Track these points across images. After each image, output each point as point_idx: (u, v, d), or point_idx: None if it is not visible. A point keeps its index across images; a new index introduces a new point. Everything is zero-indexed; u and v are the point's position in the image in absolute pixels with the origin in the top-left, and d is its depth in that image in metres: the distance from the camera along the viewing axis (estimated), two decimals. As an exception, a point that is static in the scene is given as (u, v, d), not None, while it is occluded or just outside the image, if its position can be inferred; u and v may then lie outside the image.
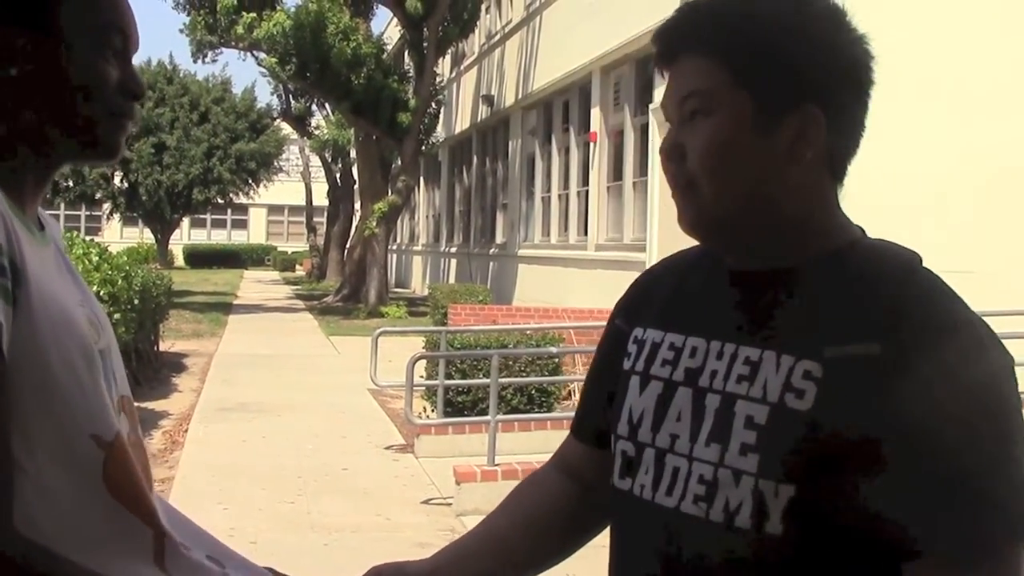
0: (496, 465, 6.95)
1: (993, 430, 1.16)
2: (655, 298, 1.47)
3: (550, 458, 1.66)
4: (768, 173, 1.28)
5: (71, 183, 41.57)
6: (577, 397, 9.37)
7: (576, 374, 9.90)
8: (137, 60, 1.44)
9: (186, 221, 52.27)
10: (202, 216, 54.12)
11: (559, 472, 1.62)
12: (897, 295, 1.23)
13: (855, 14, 1.31)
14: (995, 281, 9.81)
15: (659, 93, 14.88)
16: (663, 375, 1.36)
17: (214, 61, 28.41)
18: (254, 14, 22.65)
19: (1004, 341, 1.25)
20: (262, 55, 24.86)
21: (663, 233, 14.45)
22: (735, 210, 1.29)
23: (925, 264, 1.30)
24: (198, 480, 7.55)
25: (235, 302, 26.81)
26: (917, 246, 1.33)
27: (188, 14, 25.98)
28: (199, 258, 52.19)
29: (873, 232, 1.36)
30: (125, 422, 1.39)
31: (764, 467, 1.22)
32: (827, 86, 1.27)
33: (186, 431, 9.35)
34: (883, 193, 9.70)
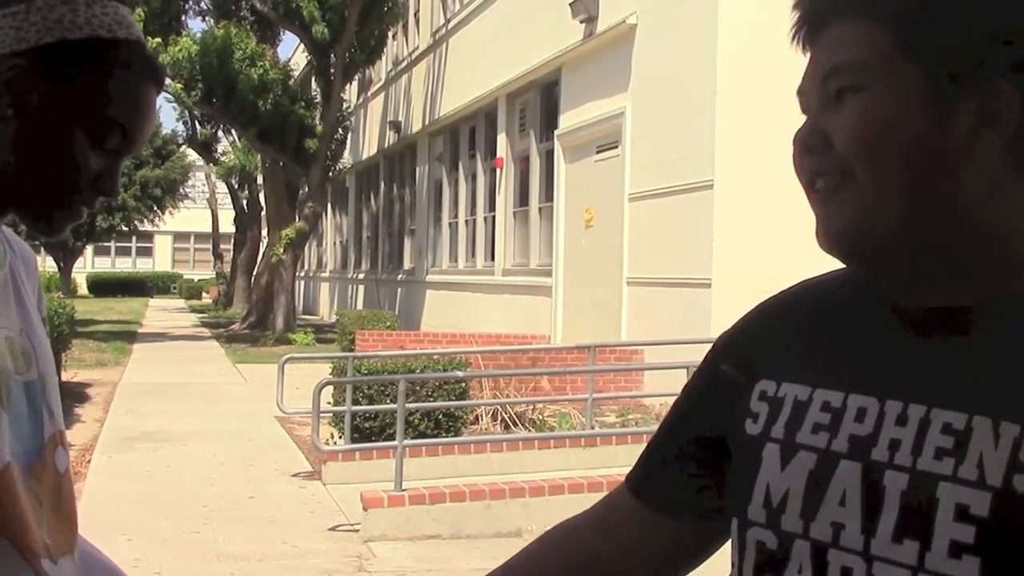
0: (404, 490, 6.99)
1: None
2: (787, 341, 1.14)
3: (584, 513, 1.33)
4: (944, 170, 0.97)
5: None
6: (485, 421, 9.42)
7: (483, 398, 10.00)
8: None
9: (89, 249, 51.33)
10: (106, 244, 53.30)
11: (596, 533, 1.29)
12: None
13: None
14: None
15: (564, 119, 15.11)
16: (817, 444, 1.03)
17: (119, 86, 27.88)
18: (159, 39, 22.42)
19: None
20: (168, 81, 24.59)
21: (569, 258, 14.65)
22: (901, 217, 0.98)
23: None
24: (101, 510, 7.45)
25: (140, 331, 26.42)
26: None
27: (91, 40, 25.61)
28: (103, 286, 51.26)
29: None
30: (64, 456, 1.42)
31: (988, 574, 0.91)
32: None
33: (89, 461, 9.23)
34: None
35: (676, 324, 11.36)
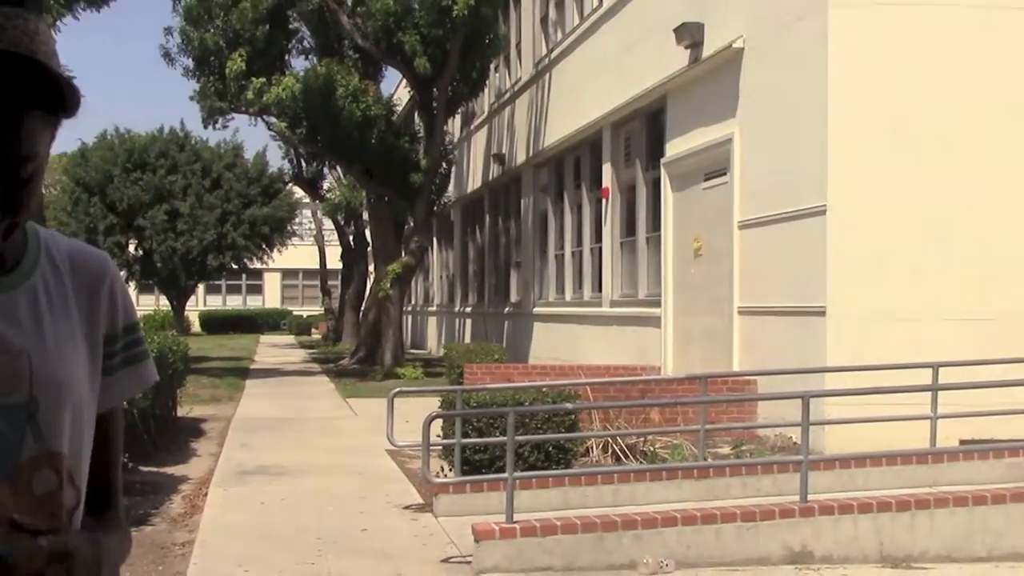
0: (515, 522, 6.93)
1: None
2: None
3: None
4: None
5: (86, 252, 41.75)
6: (596, 453, 9.32)
7: (593, 430, 9.89)
8: (149, 127, 1.50)
9: (201, 287, 52.49)
10: (217, 282, 54.40)
11: None
12: None
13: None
14: None
15: (670, 147, 14.97)
16: None
17: (225, 127, 28.43)
18: (263, 79, 22.84)
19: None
20: (272, 120, 25.06)
21: (678, 288, 14.49)
22: None
23: None
24: (218, 543, 7.54)
25: (252, 366, 26.84)
26: None
27: (198, 81, 26.24)
28: (215, 324, 52.34)
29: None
30: (48, 479, 1.44)
31: None
32: None
33: (206, 495, 9.34)
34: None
35: (790, 353, 11.14)
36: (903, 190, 10.71)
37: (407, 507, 8.77)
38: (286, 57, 26.51)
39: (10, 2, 1.35)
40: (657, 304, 14.92)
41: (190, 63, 26.20)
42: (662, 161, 15.19)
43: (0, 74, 1.33)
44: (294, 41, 27.26)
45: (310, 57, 27.43)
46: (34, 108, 1.37)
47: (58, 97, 1.38)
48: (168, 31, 26.43)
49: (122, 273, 45.34)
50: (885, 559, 7.01)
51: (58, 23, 16.92)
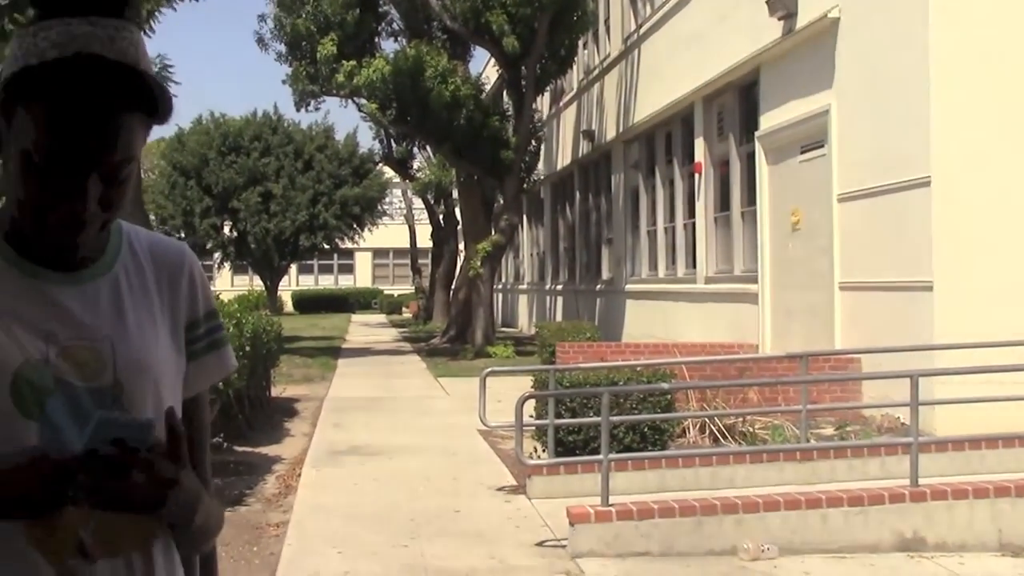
0: (610, 505, 6.76)
1: None
2: None
3: None
4: None
5: (183, 234, 42.54)
6: (693, 434, 9.13)
7: (689, 410, 9.67)
8: (243, 112, 1.47)
9: (294, 267, 53.04)
10: (309, 262, 54.95)
11: None
12: None
13: None
14: None
15: (764, 120, 14.60)
16: None
17: (316, 109, 28.88)
18: (354, 62, 22.93)
19: None
20: (363, 101, 25.20)
21: (775, 263, 14.15)
22: None
23: None
24: (312, 524, 7.50)
25: (344, 346, 27.02)
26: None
27: (290, 65, 26.47)
28: (307, 303, 52.95)
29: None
30: None
31: None
32: None
33: (299, 475, 9.34)
34: None
35: (895, 330, 10.78)
36: (1008, 163, 10.28)
37: (500, 488, 8.66)
38: (376, 40, 26.60)
39: (109, 11, 1.46)
40: (754, 280, 14.60)
41: (283, 48, 26.54)
42: (756, 134, 14.84)
43: (109, 82, 1.43)
44: (383, 24, 27.36)
45: (399, 39, 27.49)
46: (134, 113, 1.47)
47: (154, 103, 1.49)
48: (262, 18, 27.00)
49: (216, 254, 46.37)
50: (1005, 547, 6.69)
51: (156, 14, 17.04)
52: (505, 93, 25.61)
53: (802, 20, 13.29)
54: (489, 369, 9.44)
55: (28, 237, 1.51)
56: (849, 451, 8.40)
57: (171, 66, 14.90)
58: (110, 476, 1.36)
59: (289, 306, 51.77)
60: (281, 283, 48.70)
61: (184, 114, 54.30)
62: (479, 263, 22.99)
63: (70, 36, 1.43)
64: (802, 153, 13.59)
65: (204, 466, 1.70)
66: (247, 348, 10.53)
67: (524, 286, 33.86)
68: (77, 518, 1.44)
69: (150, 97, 1.47)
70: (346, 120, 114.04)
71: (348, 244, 48.44)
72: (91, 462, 1.36)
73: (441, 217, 37.40)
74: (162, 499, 1.42)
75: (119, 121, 1.44)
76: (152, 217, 38.70)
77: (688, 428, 9.54)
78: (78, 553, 1.46)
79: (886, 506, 6.73)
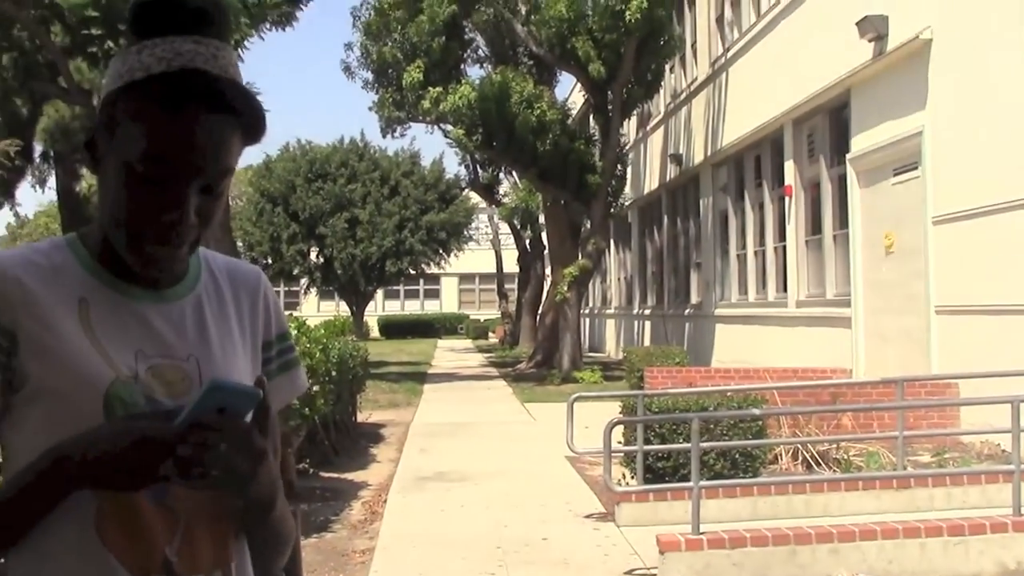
0: (701, 533, 6.62)
1: None
2: None
3: None
4: None
5: (270, 260, 43.12)
6: (785, 461, 8.92)
7: (781, 436, 9.47)
8: (330, 139, 1.44)
9: (380, 292, 53.46)
10: (395, 287, 55.34)
11: None
12: None
13: None
14: None
15: (855, 143, 14.33)
16: None
17: (402, 135, 29.15)
18: (440, 88, 23.08)
19: None
20: (449, 127, 25.34)
21: (868, 287, 13.88)
22: None
23: None
24: (398, 551, 7.46)
25: (430, 371, 27.09)
26: None
27: (377, 92, 26.72)
28: (394, 328, 53.27)
29: None
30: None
31: None
32: None
33: (385, 501, 9.31)
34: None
35: (994, 354, 10.46)
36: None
37: (588, 516, 8.55)
38: (461, 66, 26.75)
39: (205, 31, 1.51)
40: (847, 304, 14.33)
41: (369, 76, 26.82)
42: (847, 157, 14.60)
43: (212, 95, 1.48)
44: (469, 51, 27.53)
45: (485, 65, 27.66)
46: (234, 127, 1.52)
47: (251, 120, 1.53)
48: (348, 46, 27.30)
49: (304, 280, 46.91)
50: (1116, 582, 6.41)
51: (245, 43, 17.32)
52: (591, 118, 25.57)
53: (893, 42, 13.06)
54: (577, 394, 9.35)
55: (120, 255, 1.54)
56: (948, 479, 8.14)
57: (259, 93, 15.11)
58: (207, 445, 1.38)
59: (375, 331, 52.12)
60: (367, 308, 49.06)
61: (271, 142, 55.20)
62: (566, 288, 22.91)
63: (175, 52, 1.48)
64: (895, 175, 13.32)
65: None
66: (333, 373, 10.54)
67: (611, 311, 33.69)
68: (162, 535, 1.49)
69: (248, 112, 1.52)
70: (432, 146, 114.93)
71: (434, 269, 48.66)
72: (190, 435, 1.38)
73: (528, 242, 37.44)
74: (252, 473, 1.45)
75: (221, 132, 1.49)
76: (240, 244, 39.32)
77: (780, 455, 9.34)
78: (163, 572, 1.49)
79: (988, 536, 6.50)
